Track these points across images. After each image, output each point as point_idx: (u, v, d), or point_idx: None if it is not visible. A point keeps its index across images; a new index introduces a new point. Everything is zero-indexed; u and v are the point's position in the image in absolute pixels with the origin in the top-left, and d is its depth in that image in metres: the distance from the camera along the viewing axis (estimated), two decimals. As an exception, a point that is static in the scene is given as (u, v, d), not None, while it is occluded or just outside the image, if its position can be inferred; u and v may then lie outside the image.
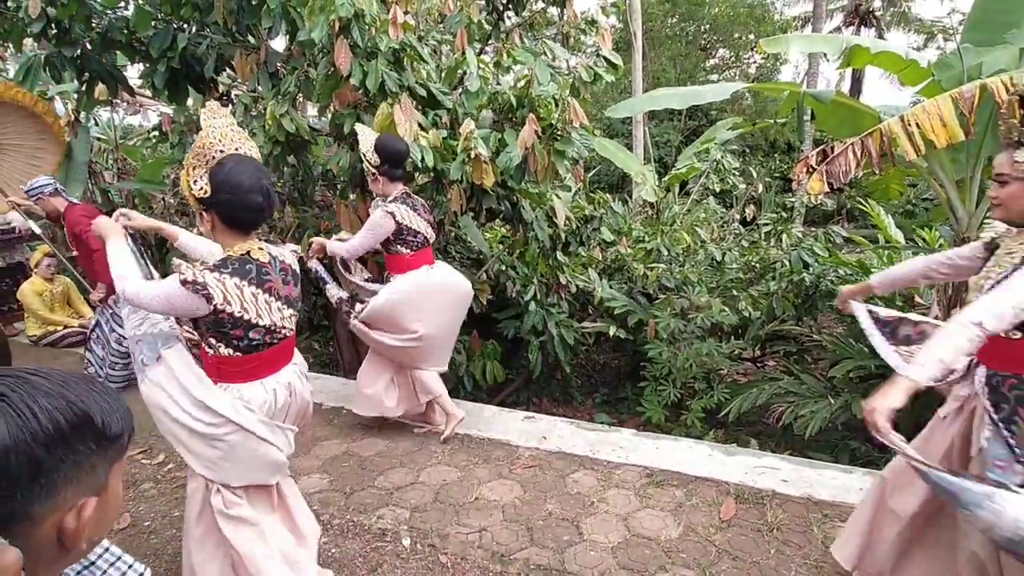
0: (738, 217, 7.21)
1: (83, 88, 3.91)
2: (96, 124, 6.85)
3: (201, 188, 1.50)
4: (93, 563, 0.81)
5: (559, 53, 3.66)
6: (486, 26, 3.77)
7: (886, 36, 20.15)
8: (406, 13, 3.08)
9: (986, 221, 1.61)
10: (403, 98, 2.98)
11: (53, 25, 3.41)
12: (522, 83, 3.40)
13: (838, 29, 20.61)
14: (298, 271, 1.74)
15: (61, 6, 3.31)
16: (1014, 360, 1.50)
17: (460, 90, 3.46)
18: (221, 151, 1.53)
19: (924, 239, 5.59)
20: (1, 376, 0.58)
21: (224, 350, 1.59)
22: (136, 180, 5.92)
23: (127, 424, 0.63)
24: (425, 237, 2.81)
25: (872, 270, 5.28)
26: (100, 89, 4.05)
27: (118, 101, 5.22)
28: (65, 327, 4.80)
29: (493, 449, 2.95)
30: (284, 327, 1.66)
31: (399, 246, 2.77)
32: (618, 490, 2.58)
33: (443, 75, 3.61)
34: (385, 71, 2.98)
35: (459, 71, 3.45)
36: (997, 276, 1.50)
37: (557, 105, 3.22)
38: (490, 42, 4.09)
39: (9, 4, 3.35)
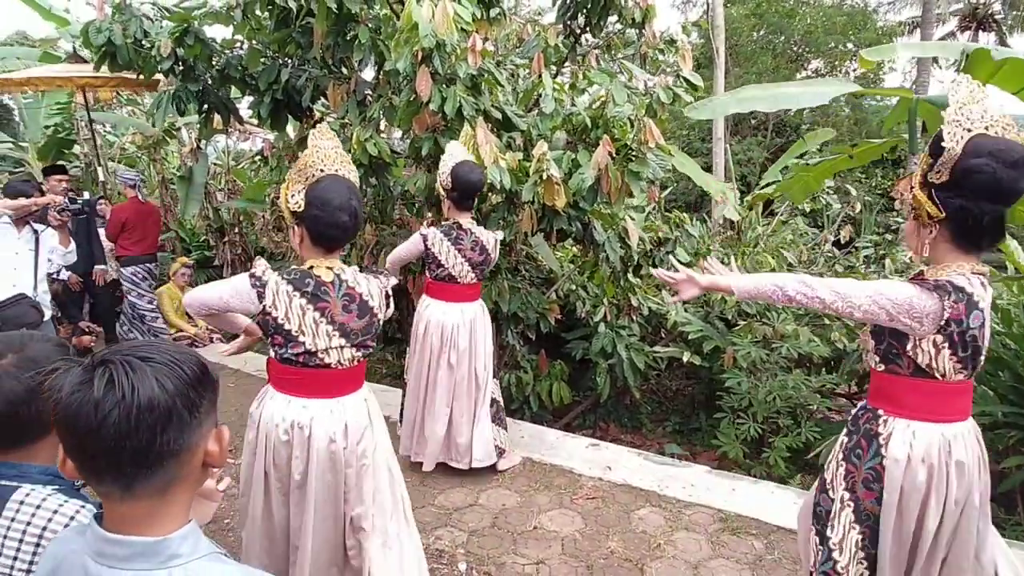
0: (832, 239, 6.66)
1: (202, 119, 4.40)
2: (213, 151, 7.66)
3: (296, 202, 1.60)
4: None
5: (637, 73, 3.59)
6: (563, 49, 3.79)
7: (1008, 42, 17.97)
8: (485, 40, 3.17)
9: None
10: (479, 121, 3.06)
11: (180, 63, 3.88)
12: (597, 104, 3.37)
13: (951, 35, 18.66)
14: (375, 304, 1.68)
15: (188, 47, 3.76)
16: (874, 391, 1.52)
17: (535, 112, 3.49)
18: (321, 170, 1.61)
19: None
20: (132, 347, 0.72)
21: (270, 351, 1.67)
22: (241, 199, 6.53)
23: (216, 371, 0.80)
24: (450, 274, 2.76)
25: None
26: (216, 120, 4.54)
27: (231, 129, 5.81)
28: (179, 331, 5.36)
29: (555, 476, 2.88)
30: (327, 355, 1.59)
31: (426, 270, 2.87)
32: (688, 533, 2.42)
33: (519, 98, 3.66)
34: (463, 96, 3.07)
35: (535, 93, 3.48)
36: None
37: (632, 125, 3.15)
38: (567, 64, 4.11)
39: (145, 44, 3.85)
